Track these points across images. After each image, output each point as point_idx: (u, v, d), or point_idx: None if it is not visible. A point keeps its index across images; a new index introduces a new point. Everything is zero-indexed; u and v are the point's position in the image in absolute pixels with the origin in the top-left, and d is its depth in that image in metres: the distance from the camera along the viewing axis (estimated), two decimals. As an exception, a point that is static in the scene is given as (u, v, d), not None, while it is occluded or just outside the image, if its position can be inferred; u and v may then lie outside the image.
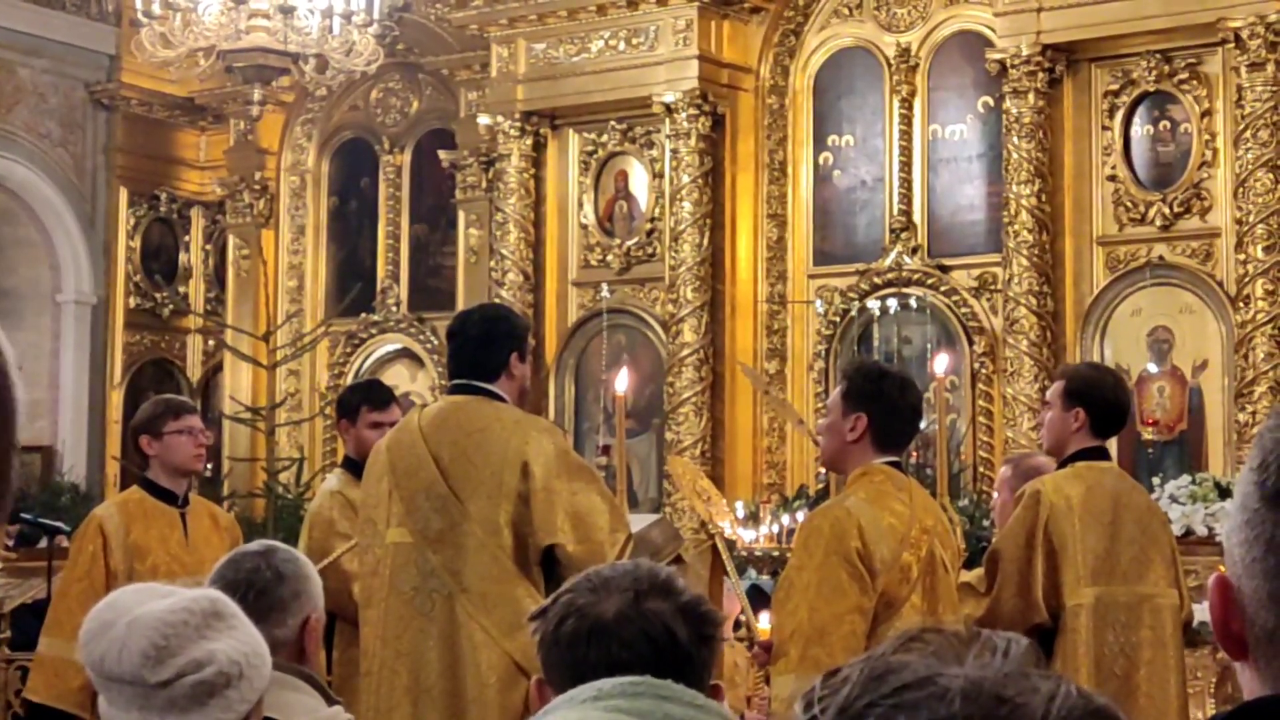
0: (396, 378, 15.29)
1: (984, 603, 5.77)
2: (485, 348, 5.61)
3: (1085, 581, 5.77)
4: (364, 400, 7.11)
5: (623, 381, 7.17)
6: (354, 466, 6.84)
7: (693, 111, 13.46)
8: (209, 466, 13.27)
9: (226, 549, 6.77)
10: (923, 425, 12.41)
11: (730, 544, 7.12)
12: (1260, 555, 1.44)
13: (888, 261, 13.25)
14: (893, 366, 6.18)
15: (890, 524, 5.08)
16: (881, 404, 5.17)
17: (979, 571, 5.90)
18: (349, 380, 15.42)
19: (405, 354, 15.67)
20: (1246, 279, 11.53)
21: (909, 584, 5.10)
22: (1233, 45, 11.65)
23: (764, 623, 5.84)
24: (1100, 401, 5.92)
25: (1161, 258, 12.11)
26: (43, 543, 10.82)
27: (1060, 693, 1.16)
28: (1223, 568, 1.50)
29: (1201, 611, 8.95)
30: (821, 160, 13.78)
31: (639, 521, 5.99)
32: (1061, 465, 5.98)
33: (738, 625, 7.27)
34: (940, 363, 8.62)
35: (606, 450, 13.54)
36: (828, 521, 5.12)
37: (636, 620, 2.54)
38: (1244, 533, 1.46)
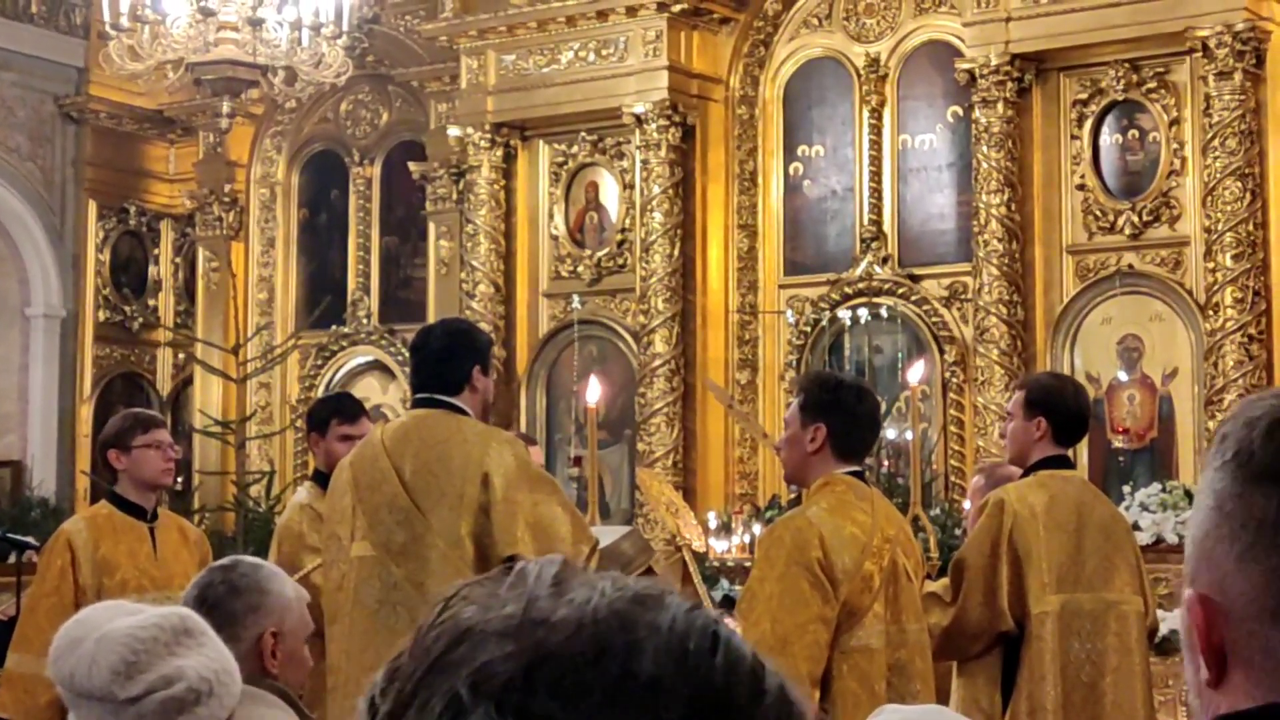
0: (367, 390, 15.27)
1: (950, 611, 5.78)
2: (447, 361, 5.62)
3: (1050, 589, 5.78)
4: (334, 413, 7.09)
5: (594, 393, 7.18)
6: (324, 479, 6.81)
7: (663, 122, 13.46)
8: (179, 480, 13.24)
9: (196, 564, 6.77)
10: (894, 434, 12.56)
11: (701, 556, 7.12)
12: (1253, 539, 1.42)
13: (858, 271, 13.27)
14: (848, 375, 6.20)
15: (852, 533, 5.09)
16: (839, 413, 5.19)
17: (945, 581, 5.91)
18: (320, 393, 15.38)
19: (376, 366, 15.64)
20: (1216, 287, 11.56)
21: (871, 593, 5.11)
22: (1200, 54, 11.69)
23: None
24: (1061, 410, 5.95)
25: (1131, 266, 12.14)
26: (11, 558, 10.78)
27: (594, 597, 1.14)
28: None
29: (1172, 620, 8.98)
30: (792, 170, 13.80)
31: (611, 532, 5.99)
32: (1025, 474, 5.99)
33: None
34: (915, 371, 8.64)
35: (578, 461, 13.55)
36: (789, 532, 5.13)
37: None
38: (1226, 526, 1.44)
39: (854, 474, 5.25)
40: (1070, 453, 6.31)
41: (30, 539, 9.94)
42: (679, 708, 1.07)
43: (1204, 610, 1.44)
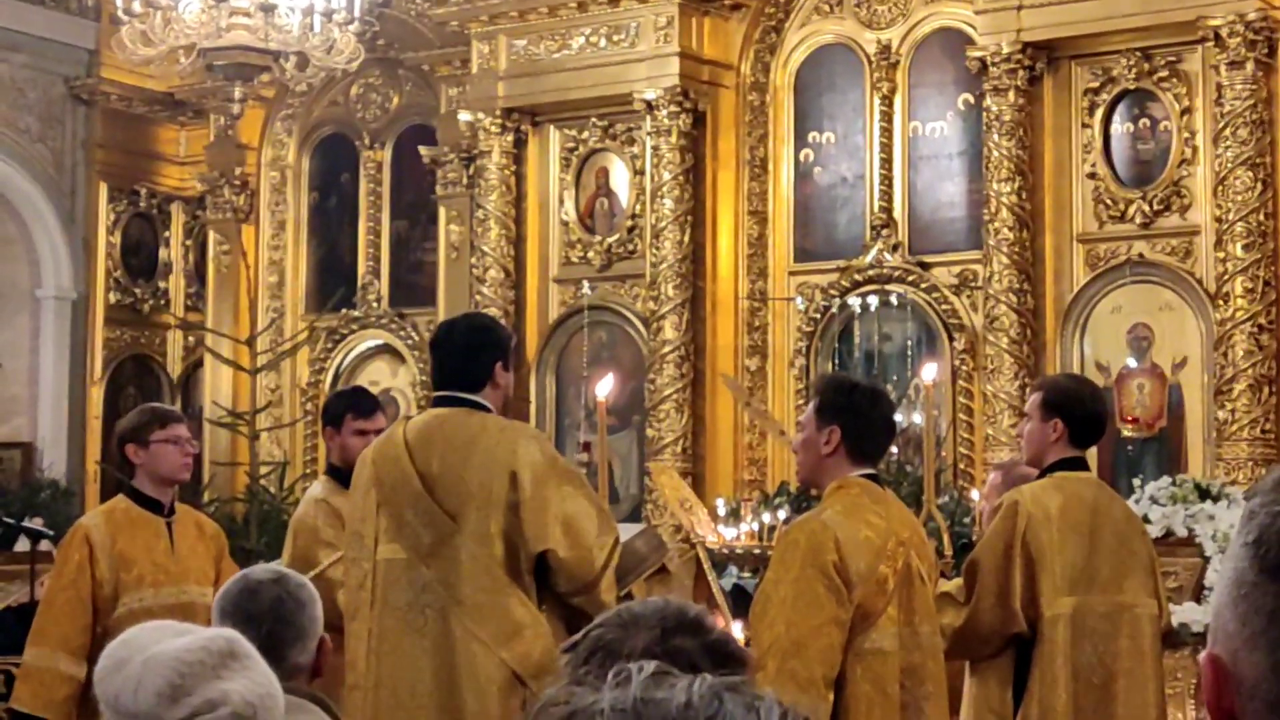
0: (377, 374, 15.31)
1: (963, 612, 5.80)
2: (469, 358, 5.61)
3: (1063, 591, 5.79)
4: (349, 408, 7.08)
5: (605, 388, 7.18)
6: (338, 474, 6.84)
7: (674, 108, 13.46)
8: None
9: (212, 558, 6.80)
10: (902, 420, 12.56)
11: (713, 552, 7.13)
12: (1262, 628, 1.45)
13: (868, 258, 13.28)
14: (863, 379, 6.21)
15: (866, 537, 5.11)
16: (854, 416, 5.20)
17: (958, 581, 5.93)
18: (329, 376, 15.43)
19: (386, 350, 15.66)
20: (1226, 277, 11.57)
21: (885, 596, 5.13)
22: (1212, 44, 11.69)
23: (738, 631, 5.85)
24: (1078, 412, 5.96)
25: (1141, 255, 12.15)
26: (20, 544, 10.82)
27: (696, 682, 1.41)
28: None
29: (1181, 614, 9.00)
30: (802, 157, 13.80)
31: (625, 532, 6.00)
32: (1041, 476, 6.01)
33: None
34: (928, 371, 8.65)
35: (587, 447, 13.57)
36: (804, 534, 5.14)
37: (662, 657, 2.56)
38: (1241, 606, 1.47)
39: (869, 476, 5.27)
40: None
41: (42, 526, 9.99)
42: None
43: (1214, 672, 1.47)
